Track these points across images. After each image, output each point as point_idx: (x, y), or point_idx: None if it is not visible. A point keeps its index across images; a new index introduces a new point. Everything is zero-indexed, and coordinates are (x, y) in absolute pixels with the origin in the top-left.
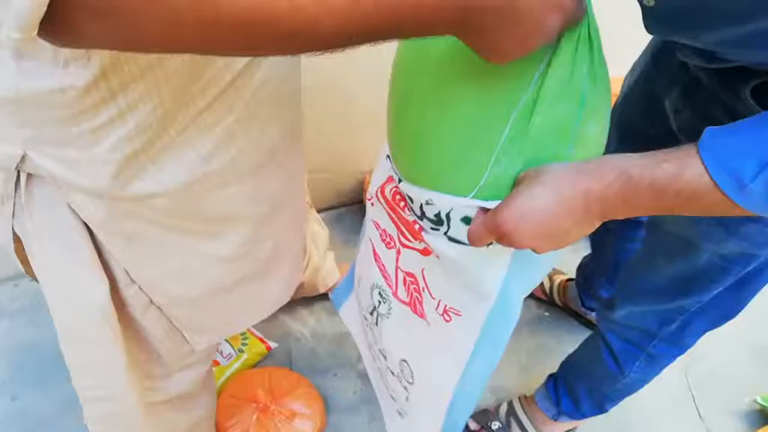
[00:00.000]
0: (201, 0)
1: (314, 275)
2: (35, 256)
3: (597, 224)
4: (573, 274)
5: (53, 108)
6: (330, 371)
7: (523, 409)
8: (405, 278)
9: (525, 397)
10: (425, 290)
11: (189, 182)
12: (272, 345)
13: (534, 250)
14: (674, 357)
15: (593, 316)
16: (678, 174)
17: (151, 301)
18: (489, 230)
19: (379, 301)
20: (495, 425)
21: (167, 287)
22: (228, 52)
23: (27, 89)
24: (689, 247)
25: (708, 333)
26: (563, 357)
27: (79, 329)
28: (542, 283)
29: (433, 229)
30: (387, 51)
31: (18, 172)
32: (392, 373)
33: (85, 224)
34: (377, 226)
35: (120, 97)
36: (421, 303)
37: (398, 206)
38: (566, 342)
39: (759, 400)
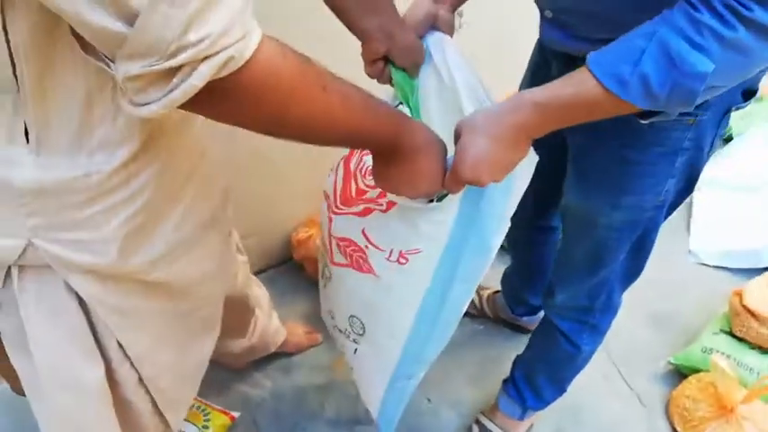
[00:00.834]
0: (281, 106)
1: (263, 336)
2: (25, 348)
3: (529, 145)
4: (497, 287)
5: (72, 193)
6: (298, 426)
7: (491, 420)
8: (338, 243)
9: (488, 410)
10: (369, 247)
11: (168, 250)
12: (236, 414)
13: (496, 181)
14: (611, 321)
15: (523, 321)
16: (578, 90)
17: (140, 379)
18: (457, 183)
19: (324, 266)
20: None
21: (155, 356)
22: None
23: (50, 179)
24: (589, 227)
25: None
26: (507, 362)
27: (78, 415)
28: (473, 300)
29: None
30: None
31: (9, 267)
32: (339, 330)
33: (81, 306)
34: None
35: (133, 182)
36: (366, 260)
37: (359, 174)
38: (506, 348)
39: (672, 361)
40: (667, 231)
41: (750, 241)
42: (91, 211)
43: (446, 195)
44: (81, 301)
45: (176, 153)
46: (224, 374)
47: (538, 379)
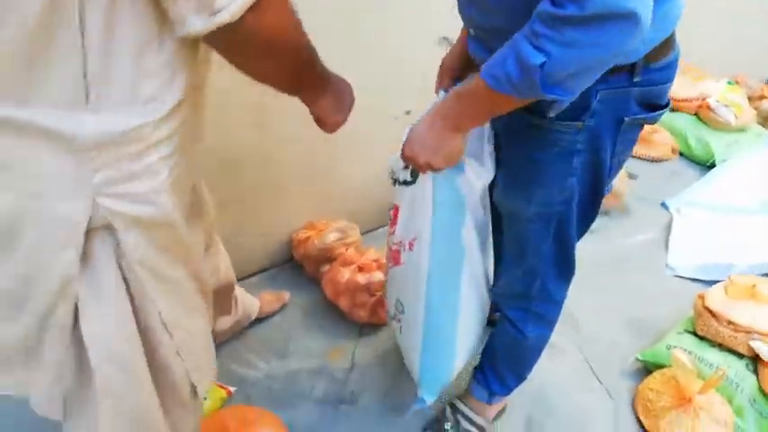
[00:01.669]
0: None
1: (243, 308)
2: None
3: (456, 133)
4: None
5: (131, 143)
6: (288, 403)
7: (464, 403)
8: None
9: (462, 394)
10: (398, 245)
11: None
12: (232, 389)
13: (431, 165)
14: (557, 312)
15: (496, 315)
16: (475, 87)
17: (177, 352)
18: (404, 160)
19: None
20: (448, 425)
21: (186, 322)
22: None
23: (110, 131)
24: (512, 219)
25: (593, 313)
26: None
27: (121, 384)
28: None
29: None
30: (303, 121)
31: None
32: (392, 318)
33: (127, 289)
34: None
35: (173, 133)
36: (399, 256)
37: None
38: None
39: (640, 357)
40: (648, 247)
41: (723, 256)
42: (149, 161)
43: (417, 175)
44: (127, 286)
45: (194, 111)
46: (223, 357)
47: (499, 366)
